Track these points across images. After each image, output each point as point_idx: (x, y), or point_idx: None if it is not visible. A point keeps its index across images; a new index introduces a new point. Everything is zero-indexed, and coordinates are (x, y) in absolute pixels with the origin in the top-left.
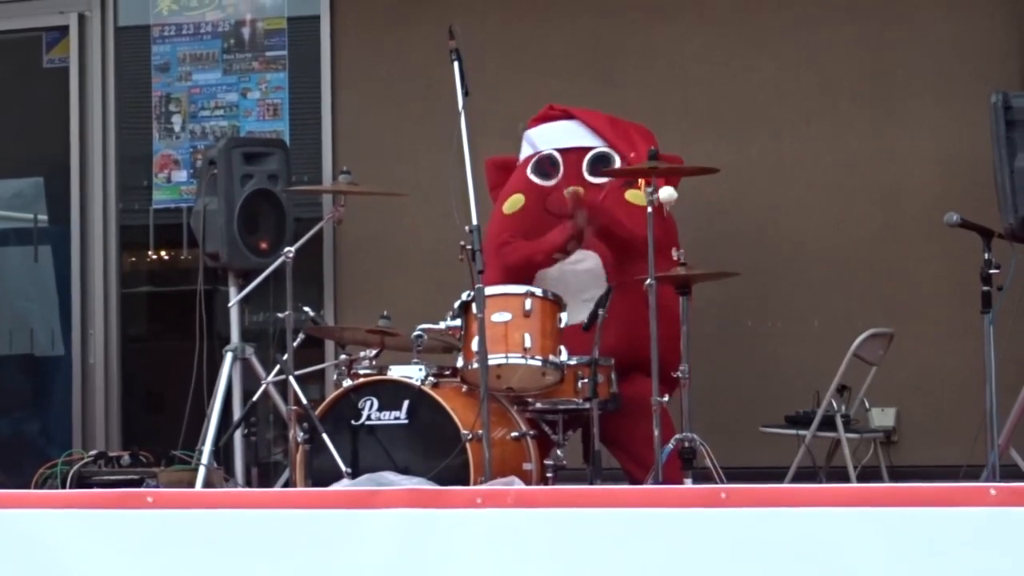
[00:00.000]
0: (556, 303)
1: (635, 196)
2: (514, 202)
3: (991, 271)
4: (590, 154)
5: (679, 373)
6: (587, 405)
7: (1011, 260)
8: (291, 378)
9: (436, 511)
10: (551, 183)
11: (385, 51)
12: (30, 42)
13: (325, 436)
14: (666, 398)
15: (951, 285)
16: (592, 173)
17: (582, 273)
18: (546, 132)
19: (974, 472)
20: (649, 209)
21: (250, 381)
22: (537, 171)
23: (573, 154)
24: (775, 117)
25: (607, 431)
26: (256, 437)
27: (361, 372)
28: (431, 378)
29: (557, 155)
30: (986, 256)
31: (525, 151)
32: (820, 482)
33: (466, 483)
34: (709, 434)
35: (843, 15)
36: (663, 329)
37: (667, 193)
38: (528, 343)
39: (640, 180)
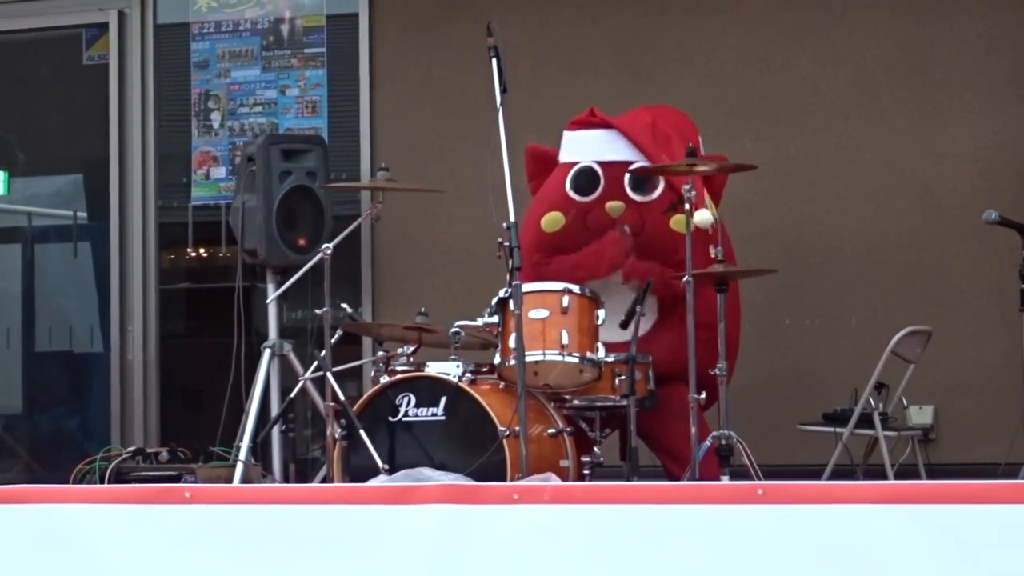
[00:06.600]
0: (594, 300)
1: (679, 223)
2: (553, 220)
3: None
4: (630, 171)
5: (716, 370)
6: (624, 402)
7: None
8: (329, 374)
9: (472, 507)
10: (591, 198)
11: (423, 48)
12: (70, 39)
13: (362, 432)
14: (702, 395)
15: (989, 283)
16: (633, 187)
17: (627, 289)
18: (585, 141)
19: (1012, 470)
20: (687, 206)
21: (288, 377)
22: (576, 186)
23: (614, 167)
24: (813, 114)
25: (646, 428)
26: (294, 433)
27: (398, 369)
28: (468, 375)
29: (597, 168)
30: None
31: (564, 153)
32: (857, 480)
33: (503, 480)
34: (746, 431)
35: (881, 12)
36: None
37: (701, 216)
38: (565, 340)
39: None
